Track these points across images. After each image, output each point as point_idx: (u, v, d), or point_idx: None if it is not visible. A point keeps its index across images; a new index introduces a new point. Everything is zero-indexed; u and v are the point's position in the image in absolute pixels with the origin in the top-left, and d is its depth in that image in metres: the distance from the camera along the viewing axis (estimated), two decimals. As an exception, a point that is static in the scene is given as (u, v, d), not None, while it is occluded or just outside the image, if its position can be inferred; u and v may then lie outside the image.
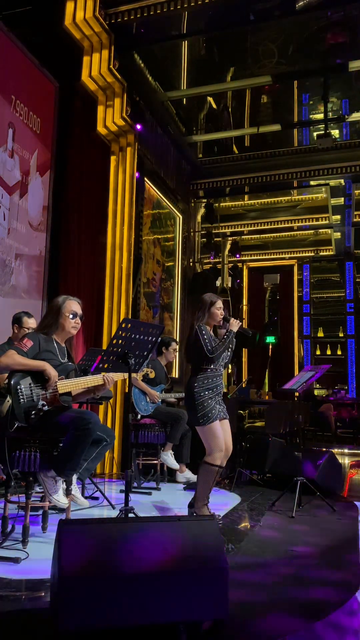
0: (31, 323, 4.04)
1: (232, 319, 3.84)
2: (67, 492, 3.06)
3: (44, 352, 3.06)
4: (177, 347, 5.69)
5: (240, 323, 3.88)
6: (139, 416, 5.05)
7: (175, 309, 8.89)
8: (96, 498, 4.25)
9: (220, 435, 3.67)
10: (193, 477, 5.26)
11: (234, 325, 3.80)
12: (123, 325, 3.03)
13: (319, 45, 8.75)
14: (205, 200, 9.96)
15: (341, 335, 14.47)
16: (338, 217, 11.66)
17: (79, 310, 3.23)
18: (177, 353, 5.73)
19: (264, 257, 14.39)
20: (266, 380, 14.87)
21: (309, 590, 2.53)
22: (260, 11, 6.36)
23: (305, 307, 14.55)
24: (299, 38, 9.44)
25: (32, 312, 4.33)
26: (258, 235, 13.26)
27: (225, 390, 11.19)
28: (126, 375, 3.13)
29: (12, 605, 2.19)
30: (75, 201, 6.21)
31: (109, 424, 5.86)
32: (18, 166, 5.38)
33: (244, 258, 13.90)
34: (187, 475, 5.28)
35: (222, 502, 4.46)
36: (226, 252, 12.62)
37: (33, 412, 2.90)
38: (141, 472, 5.39)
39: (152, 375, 4.92)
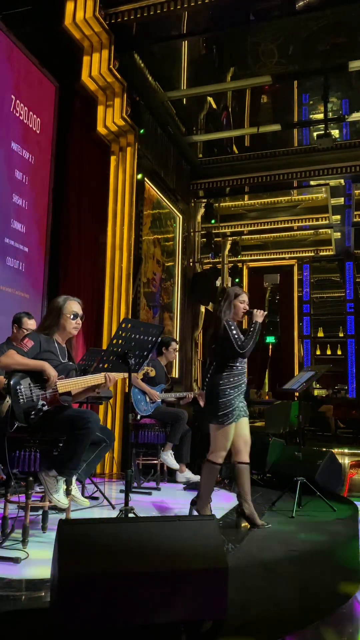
0: (31, 324, 4.04)
1: (256, 310, 3.73)
2: (67, 492, 3.06)
3: (45, 352, 3.06)
4: (177, 347, 5.69)
5: (265, 312, 3.78)
6: (138, 416, 5.05)
7: (175, 309, 8.89)
8: (96, 498, 4.25)
9: (231, 438, 3.62)
10: (193, 477, 5.26)
11: (259, 316, 3.69)
12: (123, 325, 3.03)
13: (319, 45, 8.76)
14: (205, 200, 9.96)
15: (341, 335, 14.47)
16: (338, 217, 11.67)
17: (80, 311, 3.23)
18: (177, 353, 5.73)
19: (264, 257, 14.40)
20: (266, 380, 14.88)
21: (309, 590, 2.53)
22: (260, 11, 6.36)
23: (305, 307, 14.55)
24: (299, 38, 9.44)
25: (31, 311, 4.34)
26: (258, 235, 13.26)
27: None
28: (126, 374, 3.13)
29: (12, 605, 2.19)
30: (75, 201, 6.21)
31: (109, 424, 5.86)
32: (18, 166, 5.38)
33: (244, 258, 13.90)
34: (187, 475, 5.28)
35: (222, 502, 4.46)
36: (226, 252, 12.62)
37: (33, 412, 2.89)
38: (141, 472, 5.39)
39: (152, 373, 4.91)
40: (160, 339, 5.67)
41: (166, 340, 5.58)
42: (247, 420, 3.79)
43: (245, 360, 3.75)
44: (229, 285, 12.54)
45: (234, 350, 3.59)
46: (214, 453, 3.64)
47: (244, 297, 3.79)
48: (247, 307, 3.77)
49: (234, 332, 3.62)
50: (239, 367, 3.69)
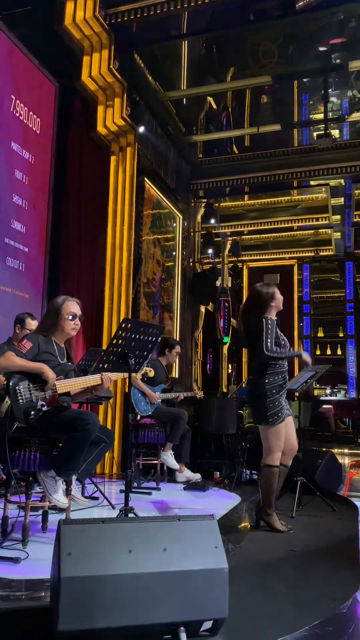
0: (34, 325, 4.05)
1: (304, 354, 3.74)
2: (67, 492, 3.06)
3: (43, 353, 3.06)
4: (180, 350, 5.70)
5: (310, 360, 3.80)
6: (138, 417, 5.05)
7: (175, 309, 8.88)
8: (96, 498, 4.25)
9: (283, 436, 3.59)
10: (193, 477, 5.27)
11: (306, 358, 3.73)
12: (123, 325, 3.03)
13: (319, 45, 8.75)
14: (205, 200, 9.96)
15: (341, 335, 14.45)
16: (338, 217, 11.65)
17: (78, 312, 3.22)
18: (178, 356, 5.73)
19: (264, 257, 14.39)
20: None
21: (309, 590, 2.53)
22: (260, 11, 6.36)
23: (305, 307, 14.54)
24: (299, 38, 9.43)
25: (31, 312, 4.34)
26: (258, 235, 13.25)
27: (225, 391, 11.22)
28: (125, 374, 3.13)
29: (12, 605, 2.19)
30: (75, 201, 6.21)
31: (109, 424, 5.86)
32: (18, 166, 5.38)
33: (244, 258, 13.90)
34: (187, 474, 5.28)
35: (222, 502, 4.46)
36: (226, 252, 12.61)
37: (32, 412, 2.90)
38: (141, 472, 5.39)
39: (151, 374, 4.92)
40: (165, 339, 5.72)
41: (171, 342, 5.60)
42: (292, 419, 3.74)
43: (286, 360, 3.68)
44: (229, 285, 12.54)
45: (260, 348, 3.52)
46: (270, 455, 3.57)
47: (279, 293, 3.78)
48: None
49: (269, 331, 3.56)
50: (282, 365, 3.62)
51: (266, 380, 3.57)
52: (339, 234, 12.41)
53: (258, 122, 10.74)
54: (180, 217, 9.05)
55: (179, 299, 8.95)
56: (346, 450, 9.50)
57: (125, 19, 5.94)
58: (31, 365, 2.95)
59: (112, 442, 3.38)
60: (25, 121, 5.51)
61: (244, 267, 14.51)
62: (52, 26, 5.68)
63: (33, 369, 2.95)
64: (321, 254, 13.89)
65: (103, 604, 1.80)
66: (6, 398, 2.86)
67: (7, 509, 3.02)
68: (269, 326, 3.57)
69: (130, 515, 2.90)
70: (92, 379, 3.13)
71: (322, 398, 12.71)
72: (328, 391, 13.33)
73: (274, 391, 3.56)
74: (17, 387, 2.89)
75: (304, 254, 14.13)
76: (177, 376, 8.51)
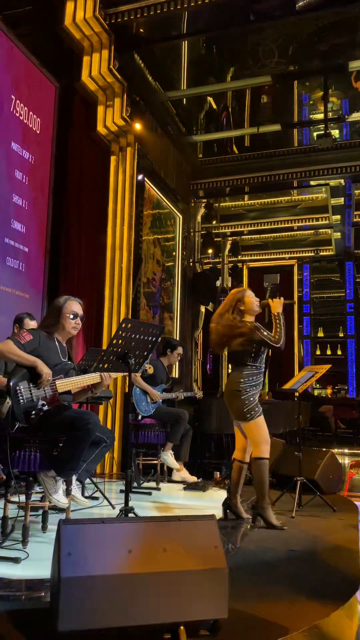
0: (32, 325, 4.05)
1: (270, 300, 3.76)
2: (67, 492, 3.06)
3: (45, 350, 3.06)
4: (182, 351, 5.69)
5: (280, 299, 3.78)
6: (139, 417, 5.05)
7: (175, 309, 8.88)
8: (96, 498, 4.25)
9: (266, 427, 3.69)
10: (189, 478, 5.26)
11: (278, 306, 3.72)
12: (123, 325, 3.03)
13: (319, 45, 8.75)
14: (205, 200, 9.96)
15: (341, 335, 14.46)
16: (338, 217, 11.65)
17: (80, 311, 3.23)
18: (179, 358, 5.73)
19: (264, 257, 14.39)
20: (266, 380, 14.86)
21: (309, 590, 2.53)
22: (260, 11, 6.36)
23: (305, 307, 14.55)
24: (299, 38, 9.43)
25: (31, 311, 4.34)
26: (258, 235, 13.25)
27: (224, 391, 11.22)
28: (124, 372, 3.13)
29: (12, 605, 2.19)
30: (75, 201, 6.20)
31: (109, 424, 5.86)
32: (18, 166, 5.38)
33: (244, 258, 13.90)
34: (183, 474, 5.27)
35: (223, 502, 4.45)
36: (226, 252, 12.61)
37: (33, 412, 2.90)
38: (141, 472, 5.39)
39: (150, 371, 4.91)
40: (167, 340, 5.72)
41: (173, 343, 5.61)
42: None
43: (264, 359, 3.77)
44: (229, 285, 12.54)
45: (269, 347, 3.64)
46: (257, 447, 3.67)
47: (249, 294, 3.82)
48: (258, 300, 3.82)
49: (264, 332, 3.66)
50: (259, 367, 3.74)
51: (242, 379, 3.69)
52: (339, 234, 12.41)
53: (258, 122, 10.74)
54: (180, 217, 9.05)
55: (179, 299, 8.95)
56: (346, 450, 9.50)
57: (125, 19, 5.94)
58: (26, 358, 2.95)
59: (112, 442, 3.38)
60: (25, 121, 5.51)
61: (244, 267, 14.51)
62: (52, 26, 5.68)
63: (28, 362, 2.94)
64: (321, 254, 13.90)
65: (103, 604, 1.80)
66: (7, 398, 2.86)
67: (7, 509, 3.02)
68: (260, 328, 3.68)
69: (130, 515, 2.90)
70: (91, 377, 3.14)
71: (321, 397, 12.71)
72: (328, 391, 13.35)
73: (247, 389, 3.67)
74: (17, 387, 2.89)
75: (304, 254, 14.13)
76: (177, 376, 8.51)
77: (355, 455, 9.23)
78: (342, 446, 9.92)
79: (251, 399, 3.66)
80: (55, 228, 6.00)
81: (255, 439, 3.69)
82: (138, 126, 6.51)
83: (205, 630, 1.95)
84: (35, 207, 5.64)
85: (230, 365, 3.96)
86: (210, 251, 10.09)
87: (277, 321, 3.68)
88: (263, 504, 3.67)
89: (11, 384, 2.88)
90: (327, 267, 14.82)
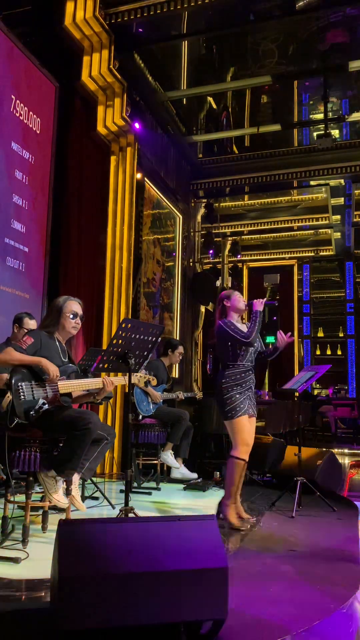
0: (32, 324, 4.04)
1: (254, 300, 3.83)
2: (67, 492, 3.06)
3: (46, 350, 3.07)
4: (183, 351, 5.70)
5: (263, 299, 3.85)
6: (140, 416, 5.05)
7: (175, 309, 8.88)
8: (96, 498, 4.25)
9: (246, 429, 3.69)
10: (188, 474, 5.25)
11: (258, 305, 3.78)
12: (123, 325, 3.03)
13: (319, 45, 8.75)
14: (205, 200, 9.96)
15: (341, 335, 14.47)
16: (338, 217, 11.66)
17: (80, 311, 3.24)
18: (180, 358, 5.73)
19: (264, 257, 14.39)
20: (266, 380, 14.87)
21: (309, 590, 2.53)
22: (260, 11, 6.37)
23: (305, 307, 14.55)
24: (299, 38, 9.44)
25: (31, 311, 4.34)
26: (258, 235, 13.25)
27: None
28: (126, 380, 3.13)
29: (12, 605, 2.19)
30: (75, 201, 6.20)
31: (109, 424, 5.86)
32: (18, 166, 5.38)
33: (244, 258, 13.90)
34: (183, 470, 5.26)
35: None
36: (226, 252, 12.62)
37: (33, 410, 2.90)
38: (141, 472, 5.39)
39: (154, 382, 4.92)
40: (168, 340, 5.72)
41: (175, 343, 5.61)
42: (255, 420, 3.87)
43: (249, 358, 3.80)
44: (229, 285, 12.55)
45: (239, 342, 3.68)
46: (235, 448, 3.69)
47: (236, 293, 3.89)
48: (245, 301, 3.89)
49: (232, 327, 3.72)
50: (242, 365, 3.75)
51: (224, 379, 3.72)
52: (339, 234, 12.42)
53: (258, 122, 10.75)
54: (180, 217, 9.05)
55: (179, 299, 8.95)
56: (346, 450, 9.50)
57: (125, 19, 5.95)
58: (30, 359, 2.95)
59: (113, 439, 3.39)
60: (25, 121, 5.51)
61: (244, 267, 14.51)
62: (52, 26, 5.67)
63: (32, 363, 2.95)
64: (321, 254, 13.91)
65: (103, 604, 1.80)
66: (7, 393, 2.87)
67: (7, 509, 3.02)
68: (228, 324, 3.74)
69: (130, 515, 2.90)
70: (94, 382, 3.14)
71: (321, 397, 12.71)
72: (329, 391, 13.34)
73: (230, 388, 3.69)
74: (19, 384, 2.89)
75: (304, 254, 14.13)
76: (177, 376, 8.51)
77: (355, 455, 9.23)
78: (342, 446, 9.92)
79: (233, 398, 3.67)
80: (55, 228, 6.00)
81: (234, 439, 3.71)
82: (138, 126, 6.51)
83: (205, 631, 1.95)
84: (35, 207, 5.64)
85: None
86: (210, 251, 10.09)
87: (254, 318, 3.75)
88: (228, 502, 3.68)
89: (13, 381, 2.88)
90: (327, 267, 14.82)
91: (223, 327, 3.74)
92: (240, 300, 3.86)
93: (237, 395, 3.68)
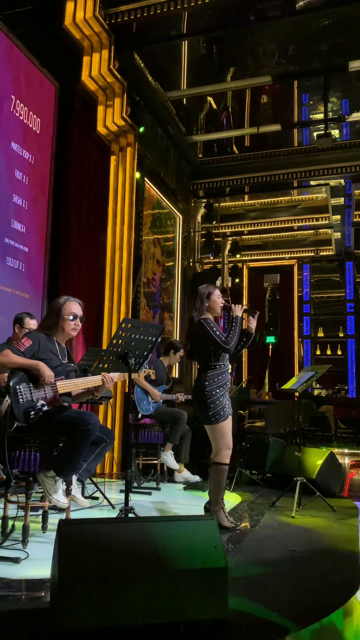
0: (32, 324, 4.04)
1: (234, 304, 3.70)
2: (67, 492, 3.06)
3: (45, 352, 3.06)
4: (184, 354, 5.70)
5: (244, 306, 3.74)
6: (139, 415, 5.05)
7: (175, 309, 8.89)
8: (96, 498, 4.25)
9: (229, 433, 3.61)
10: (191, 477, 5.27)
11: (237, 310, 3.65)
12: (123, 325, 3.03)
13: (319, 45, 8.75)
14: (205, 200, 9.96)
15: (341, 335, 14.46)
16: (338, 217, 11.66)
17: (79, 312, 3.22)
18: (180, 359, 5.74)
19: (264, 257, 14.40)
20: (266, 380, 14.88)
21: (309, 591, 2.53)
22: (260, 11, 6.37)
23: (305, 307, 14.55)
24: (299, 38, 9.44)
25: (31, 311, 4.34)
26: (258, 235, 13.26)
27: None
28: (126, 376, 3.13)
29: (12, 605, 2.19)
30: (75, 201, 6.20)
31: (109, 424, 5.86)
32: (18, 166, 5.38)
33: (244, 258, 13.90)
34: (185, 475, 5.28)
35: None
36: (226, 252, 12.62)
37: (32, 412, 2.89)
38: (141, 472, 5.40)
39: (153, 376, 4.92)
40: (172, 342, 5.73)
41: (178, 346, 5.62)
42: (231, 418, 3.73)
43: (228, 357, 3.71)
44: (229, 285, 12.55)
45: (219, 347, 3.56)
46: (218, 454, 3.60)
47: (218, 292, 3.76)
48: (224, 302, 3.75)
49: (214, 328, 3.58)
50: (222, 366, 3.67)
51: (207, 382, 3.59)
52: (339, 234, 12.42)
53: (258, 122, 10.75)
54: (180, 217, 9.05)
55: (179, 299, 8.95)
56: (346, 450, 9.50)
57: (125, 19, 5.94)
58: (27, 362, 2.95)
59: (113, 441, 3.38)
60: (25, 121, 5.51)
61: (244, 267, 14.52)
62: (52, 26, 5.67)
63: (29, 366, 2.94)
64: (321, 254, 13.91)
65: (103, 604, 1.80)
66: (6, 397, 2.86)
67: (7, 509, 3.02)
68: (211, 324, 3.59)
69: (130, 515, 2.90)
70: (93, 380, 3.13)
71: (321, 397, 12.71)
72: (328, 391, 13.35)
73: (213, 392, 3.57)
74: (17, 387, 2.89)
75: (304, 254, 14.14)
76: (177, 376, 8.51)
77: (355, 455, 9.23)
78: (342, 446, 9.92)
79: (217, 402, 3.56)
80: (55, 228, 6.00)
81: (217, 443, 3.59)
82: (138, 126, 6.51)
83: (205, 631, 1.95)
84: (35, 207, 5.64)
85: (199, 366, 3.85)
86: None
87: (233, 324, 3.61)
88: (215, 507, 3.59)
89: (11, 383, 2.87)
90: (327, 267, 14.82)
91: (205, 327, 3.59)
92: (218, 302, 3.72)
93: (221, 399, 3.58)
